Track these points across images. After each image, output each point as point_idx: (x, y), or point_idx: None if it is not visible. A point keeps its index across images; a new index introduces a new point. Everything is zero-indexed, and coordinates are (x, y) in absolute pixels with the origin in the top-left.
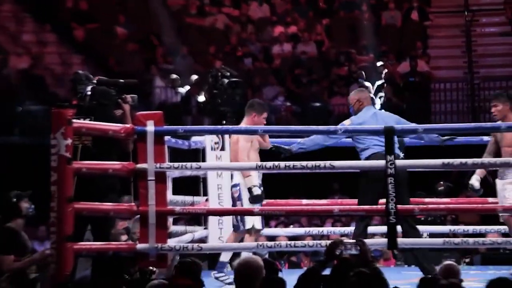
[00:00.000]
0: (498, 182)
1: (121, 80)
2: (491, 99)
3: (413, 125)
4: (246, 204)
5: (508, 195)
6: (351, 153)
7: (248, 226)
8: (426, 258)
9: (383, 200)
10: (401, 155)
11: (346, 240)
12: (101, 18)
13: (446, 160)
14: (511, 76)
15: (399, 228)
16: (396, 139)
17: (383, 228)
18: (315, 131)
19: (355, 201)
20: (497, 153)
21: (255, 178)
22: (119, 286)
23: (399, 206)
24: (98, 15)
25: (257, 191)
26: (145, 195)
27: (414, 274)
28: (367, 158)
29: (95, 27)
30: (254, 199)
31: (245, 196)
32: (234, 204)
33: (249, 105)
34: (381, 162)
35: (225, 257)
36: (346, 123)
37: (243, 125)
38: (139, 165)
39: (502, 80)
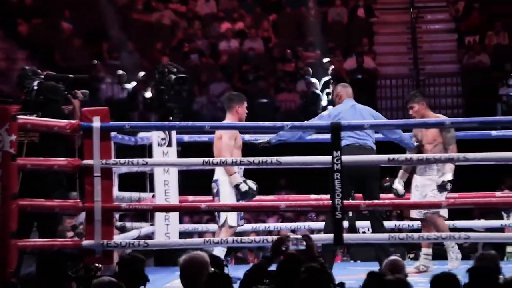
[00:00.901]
0: (418, 178)
1: (71, 76)
2: (406, 101)
3: (368, 121)
4: (223, 201)
5: (431, 193)
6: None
7: (221, 222)
8: (385, 252)
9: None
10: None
11: (292, 235)
12: (46, 13)
13: (391, 156)
14: (455, 72)
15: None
16: (370, 133)
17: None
18: (263, 127)
19: (302, 196)
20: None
21: (239, 175)
22: (63, 283)
23: (345, 202)
24: (43, 10)
25: (244, 187)
26: (91, 191)
27: (360, 270)
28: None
29: (40, 22)
30: (242, 195)
31: (223, 192)
32: (213, 200)
33: (227, 99)
34: (327, 158)
35: (217, 253)
36: (325, 114)
37: (228, 121)
38: (85, 161)
39: (447, 77)
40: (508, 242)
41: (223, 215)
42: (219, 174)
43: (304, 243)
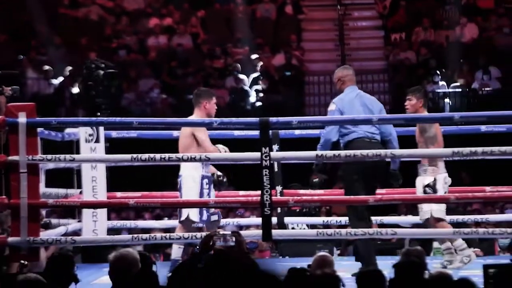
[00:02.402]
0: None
1: None
2: (407, 92)
3: (296, 118)
4: (185, 196)
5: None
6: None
7: (182, 217)
8: (368, 250)
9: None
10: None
11: (221, 231)
12: None
13: (319, 152)
14: (382, 69)
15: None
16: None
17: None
18: (191, 123)
19: (231, 192)
20: None
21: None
22: None
23: (274, 198)
24: None
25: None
26: (17, 187)
27: (289, 265)
28: (349, 142)
29: None
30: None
31: (185, 187)
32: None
33: (195, 95)
34: (256, 154)
35: (176, 254)
36: (332, 109)
37: (195, 117)
38: (11, 157)
39: (374, 74)
40: (434, 238)
41: (184, 211)
42: (183, 169)
43: (234, 239)
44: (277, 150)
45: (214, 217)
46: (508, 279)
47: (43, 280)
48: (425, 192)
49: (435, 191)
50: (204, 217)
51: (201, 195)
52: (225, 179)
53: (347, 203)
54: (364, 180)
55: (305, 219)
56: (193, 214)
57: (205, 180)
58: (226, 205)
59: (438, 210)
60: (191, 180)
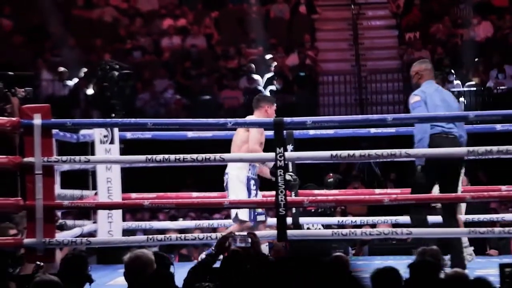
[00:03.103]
0: None
1: (11, 73)
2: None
3: (310, 118)
4: (232, 195)
5: None
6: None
7: (232, 216)
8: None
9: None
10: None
11: (237, 233)
12: None
13: (334, 152)
14: (396, 68)
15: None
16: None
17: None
18: (205, 124)
19: None
20: None
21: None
22: (2, 282)
23: (288, 198)
24: None
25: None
26: (32, 189)
27: None
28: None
29: None
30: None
31: (231, 185)
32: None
33: (257, 99)
34: (271, 155)
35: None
36: (416, 100)
37: (254, 118)
38: (26, 159)
39: (388, 73)
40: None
41: (233, 210)
42: (229, 167)
43: (249, 240)
44: (291, 150)
45: (260, 217)
46: None
47: (59, 281)
48: None
49: None
50: (257, 216)
51: (249, 196)
52: (294, 181)
53: (361, 203)
54: (437, 178)
55: (320, 219)
56: (241, 213)
57: (252, 182)
58: (241, 206)
59: None
60: (237, 179)
